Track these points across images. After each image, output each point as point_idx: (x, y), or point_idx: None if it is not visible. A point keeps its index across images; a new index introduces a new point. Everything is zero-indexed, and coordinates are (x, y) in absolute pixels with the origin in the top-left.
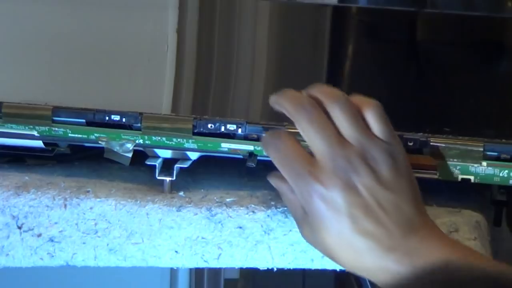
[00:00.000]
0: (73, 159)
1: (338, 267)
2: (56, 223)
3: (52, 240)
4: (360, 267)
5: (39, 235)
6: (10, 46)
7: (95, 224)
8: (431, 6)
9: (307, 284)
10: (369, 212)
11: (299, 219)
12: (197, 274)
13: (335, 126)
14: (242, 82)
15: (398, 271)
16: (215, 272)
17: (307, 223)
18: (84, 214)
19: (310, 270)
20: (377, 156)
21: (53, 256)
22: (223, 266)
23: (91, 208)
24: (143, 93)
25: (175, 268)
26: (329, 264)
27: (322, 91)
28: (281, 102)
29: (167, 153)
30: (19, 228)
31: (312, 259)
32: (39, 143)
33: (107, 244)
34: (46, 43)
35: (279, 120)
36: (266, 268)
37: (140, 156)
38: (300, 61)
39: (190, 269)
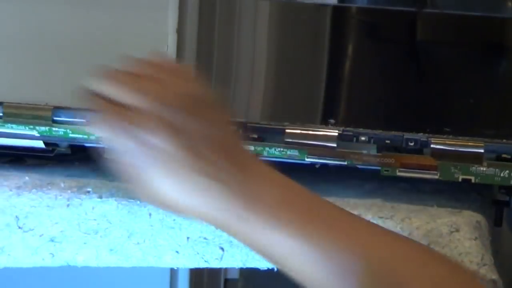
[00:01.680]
0: (73, 159)
1: None
2: (57, 223)
3: (53, 240)
4: (198, 209)
5: (40, 235)
6: (10, 46)
7: (97, 224)
8: (431, 6)
9: None
10: (196, 150)
11: (132, 180)
12: (197, 274)
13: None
14: (242, 82)
15: (235, 205)
16: (215, 272)
17: (141, 181)
18: (85, 214)
19: None
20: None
21: (54, 256)
22: (224, 266)
23: (93, 208)
24: None
25: (175, 268)
26: None
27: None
28: None
29: None
30: (20, 228)
31: None
32: (39, 143)
33: (108, 244)
34: (45, 43)
35: (279, 120)
36: (266, 268)
37: None
38: (300, 61)
39: (190, 269)
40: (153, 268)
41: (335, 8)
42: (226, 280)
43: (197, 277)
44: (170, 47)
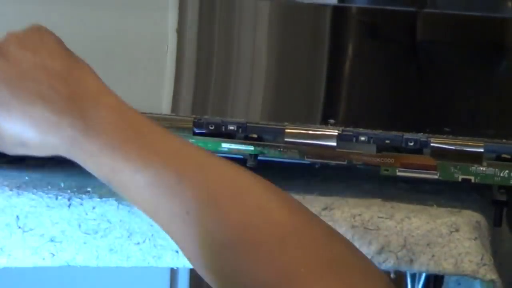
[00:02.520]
0: None
1: None
2: (57, 223)
3: (53, 240)
4: (41, 140)
5: (40, 235)
6: None
7: (97, 224)
8: (431, 6)
9: None
10: (30, 73)
11: None
12: (197, 274)
13: None
14: (242, 82)
15: (73, 135)
16: None
17: None
18: (86, 214)
19: None
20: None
21: (54, 256)
22: None
23: (93, 208)
24: (143, 93)
25: (175, 268)
26: None
27: None
28: None
29: None
30: (20, 228)
31: None
32: None
33: (108, 244)
34: None
35: (279, 120)
36: None
37: None
38: (300, 61)
39: (190, 269)
40: (153, 268)
41: (335, 8)
42: None
43: (197, 277)
44: (170, 47)
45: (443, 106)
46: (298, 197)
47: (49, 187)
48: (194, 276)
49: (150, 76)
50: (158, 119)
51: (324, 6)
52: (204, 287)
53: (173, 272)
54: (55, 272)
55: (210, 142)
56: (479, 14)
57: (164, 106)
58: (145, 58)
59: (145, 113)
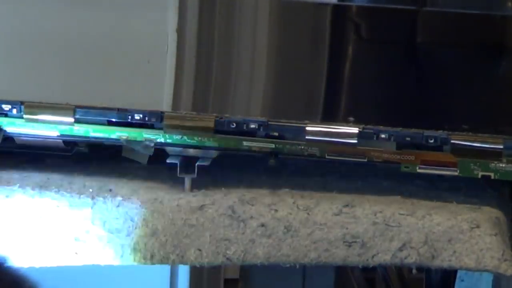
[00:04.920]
0: (92, 158)
1: None
2: (81, 222)
3: (77, 240)
4: None
5: (64, 234)
6: (30, 46)
7: (120, 223)
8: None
9: (307, 284)
10: None
11: None
12: (197, 274)
13: None
14: (242, 82)
15: None
16: (215, 272)
17: None
18: (109, 213)
19: (310, 270)
20: None
21: (78, 255)
22: (246, 263)
23: (116, 206)
24: (143, 93)
25: (175, 267)
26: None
27: None
28: None
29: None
30: (45, 227)
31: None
32: (59, 142)
33: (132, 243)
34: (45, 44)
35: (300, 118)
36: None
37: (156, 154)
38: (300, 60)
39: (190, 269)
40: (153, 268)
41: (335, 6)
42: (226, 280)
43: (197, 277)
44: (170, 47)
45: (462, 103)
46: (317, 194)
47: (72, 186)
48: (194, 276)
49: (150, 76)
50: (179, 118)
51: (324, 4)
52: (204, 287)
53: (173, 272)
54: (55, 272)
55: (231, 140)
56: (496, 12)
57: (165, 107)
58: (145, 58)
59: (167, 112)
